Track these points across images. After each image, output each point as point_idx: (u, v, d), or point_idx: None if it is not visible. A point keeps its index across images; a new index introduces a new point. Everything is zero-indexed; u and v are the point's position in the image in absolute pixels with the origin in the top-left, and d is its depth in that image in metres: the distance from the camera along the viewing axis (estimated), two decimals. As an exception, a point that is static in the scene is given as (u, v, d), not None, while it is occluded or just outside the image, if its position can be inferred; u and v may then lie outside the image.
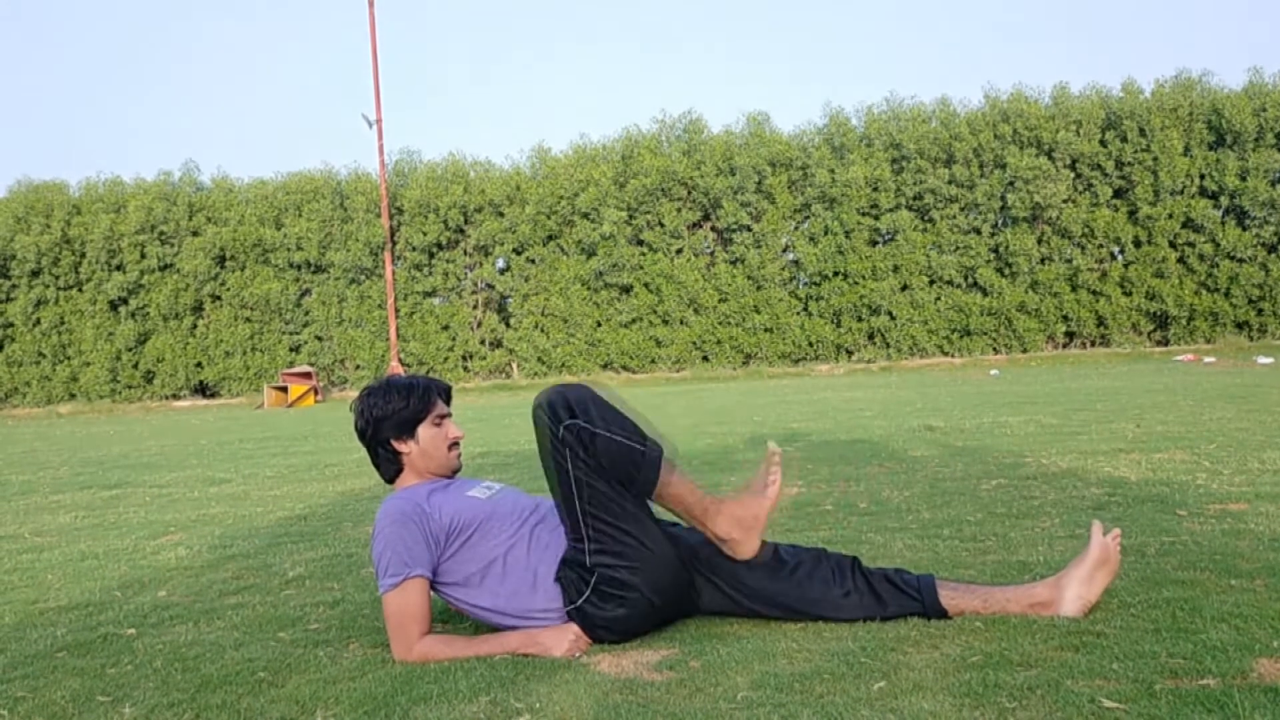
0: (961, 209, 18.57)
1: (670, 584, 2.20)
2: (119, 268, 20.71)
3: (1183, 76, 18.35)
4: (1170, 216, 17.84)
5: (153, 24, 54.86)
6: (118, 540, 3.92)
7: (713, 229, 19.68)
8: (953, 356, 18.55)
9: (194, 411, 18.03)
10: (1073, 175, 18.23)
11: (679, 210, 19.42)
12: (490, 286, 20.22)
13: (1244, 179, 17.51)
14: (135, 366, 20.77)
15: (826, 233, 18.87)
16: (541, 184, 19.74)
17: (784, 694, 1.76)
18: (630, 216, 19.27)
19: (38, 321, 21.09)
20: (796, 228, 19.39)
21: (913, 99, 19.32)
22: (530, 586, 2.22)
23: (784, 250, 19.50)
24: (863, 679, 1.80)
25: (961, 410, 7.52)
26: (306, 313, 20.59)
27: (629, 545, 2.16)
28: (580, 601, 2.17)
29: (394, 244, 20.02)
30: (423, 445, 2.37)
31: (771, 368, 18.85)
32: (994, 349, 18.58)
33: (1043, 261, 18.42)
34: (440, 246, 20.14)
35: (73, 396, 20.87)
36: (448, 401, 2.45)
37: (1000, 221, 18.81)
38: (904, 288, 18.76)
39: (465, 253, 20.20)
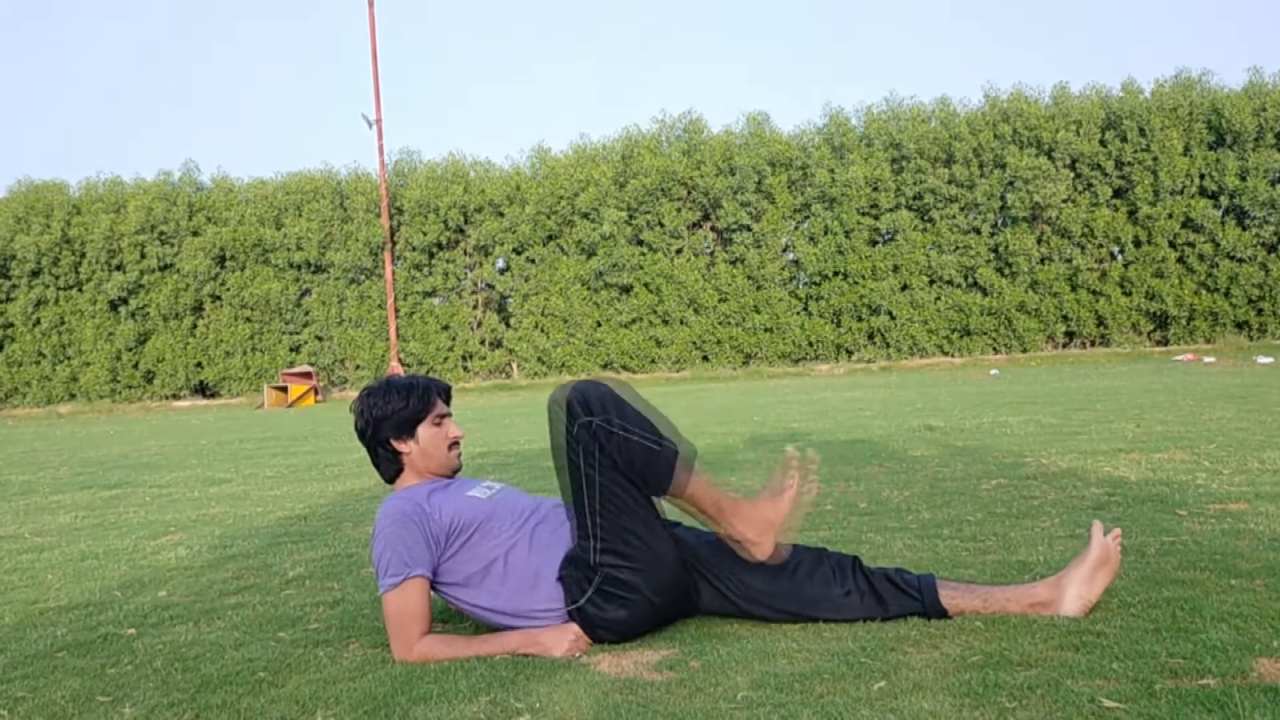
0: (961, 209, 18.57)
1: (671, 585, 2.20)
2: (119, 268, 20.70)
3: (1183, 76, 18.36)
4: (1170, 216, 17.84)
5: (153, 24, 54.89)
6: (118, 540, 3.92)
7: (713, 229, 19.68)
8: (953, 356, 18.55)
9: (194, 411, 18.03)
10: (1072, 175, 18.23)
11: (679, 210, 19.43)
12: (490, 286, 20.22)
13: (1244, 179, 17.51)
14: (135, 366, 20.77)
15: (826, 233, 18.87)
16: (541, 184, 19.74)
17: (784, 694, 1.76)
18: (630, 216, 19.27)
19: (38, 321, 21.08)
20: (796, 228, 19.39)
21: (912, 99, 19.34)
22: (531, 586, 2.22)
23: (784, 250, 19.50)
24: (863, 679, 1.80)
25: (961, 410, 7.52)
26: (306, 313, 20.59)
27: (635, 547, 2.16)
28: (582, 601, 2.17)
29: (394, 244, 20.02)
30: (423, 445, 2.37)
31: (771, 368, 18.85)
32: (994, 349, 18.58)
33: (1042, 261, 18.42)
34: (440, 246, 20.14)
35: (73, 396, 20.87)
36: (447, 401, 2.45)
37: (1000, 221, 18.81)
38: (904, 288, 18.76)
39: (465, 253, 20.20)
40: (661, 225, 19.35)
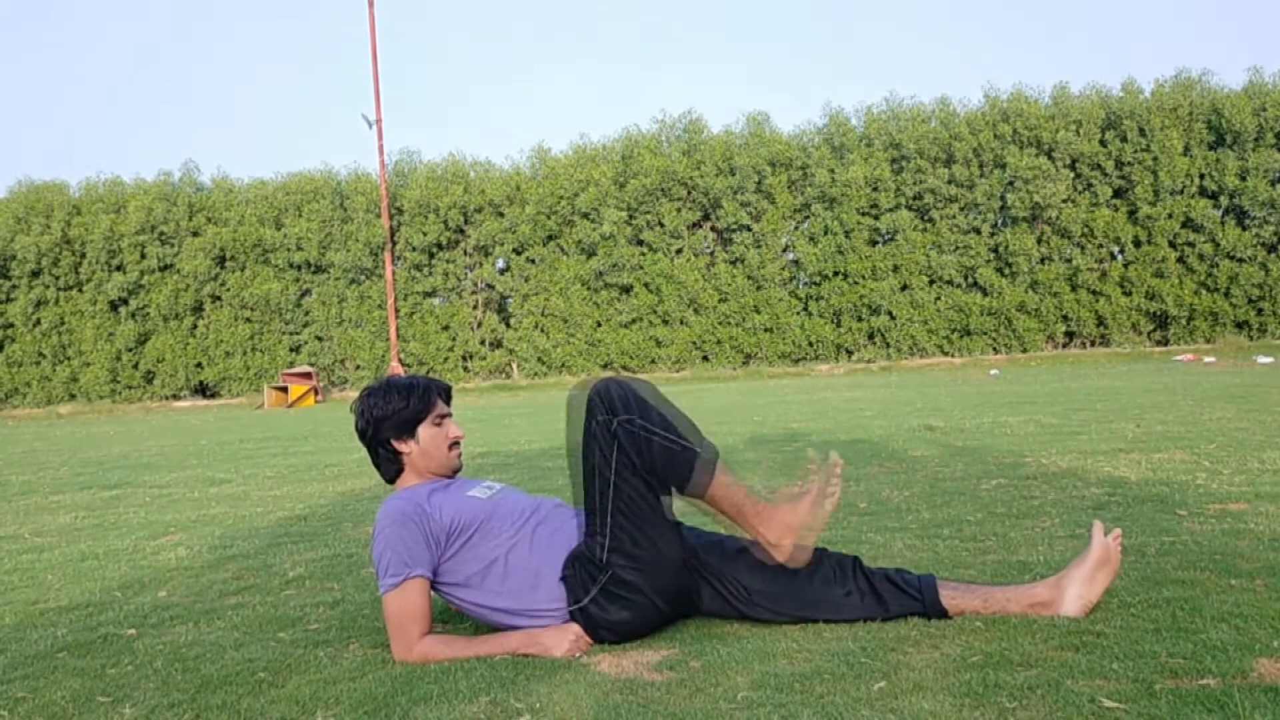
0: (961, 209, 18.57)
1: (673, 586, 2.20)
2: (119, 268, 20.70)
3: (1183, 76, 18.35)
4: (1170, 216, 17.83)
5: (153, 24, 54.90)
6: (118, 540, 3.92)
7: (713, 229, 19.68)
8: (953, 356, 18.55)
9: (194, 412, 18.03)
10: (1072, 175, 18.23)
11: (679, 210, 19.43)
12: (490, 286, 20.22)
13: (1244, 179, 17.51)
14: (135, 367, 20.77)
15: (826, 233, 18.87)
16: (541, 184, 19.74)
17: (784, 694, 1.76)
18: (630, 216, 19.27)
19: (38, 322, 21.08)
20: (796, 228, 19.39)
21: (912, 99, 19.33)
22: (531, 586, 2.22)
23: (784, 250, 19.50)
24: (863, 679, 1.80)
25: (961, 410, 7.52)
26: (306, 313, 20.59)
27: (644, 548, 2.16)
28: (585, 601, 2.17)
29: (394, 244, 20.02)
30: (423, 445, 2.37)
31: (771, 368, 18.85)
32: (994, 349, 18.58)
33: (1042, 261, 18.42)
34: (440, 246, 20.14)
35: (73, 397, 20.87)
36: (448, 401, 2.45)
37: (1000, 221, 18.80)
38: (904, 287, 18.76)
39: (465, 253, 20.20)
40: (661, 225, 19.35)
